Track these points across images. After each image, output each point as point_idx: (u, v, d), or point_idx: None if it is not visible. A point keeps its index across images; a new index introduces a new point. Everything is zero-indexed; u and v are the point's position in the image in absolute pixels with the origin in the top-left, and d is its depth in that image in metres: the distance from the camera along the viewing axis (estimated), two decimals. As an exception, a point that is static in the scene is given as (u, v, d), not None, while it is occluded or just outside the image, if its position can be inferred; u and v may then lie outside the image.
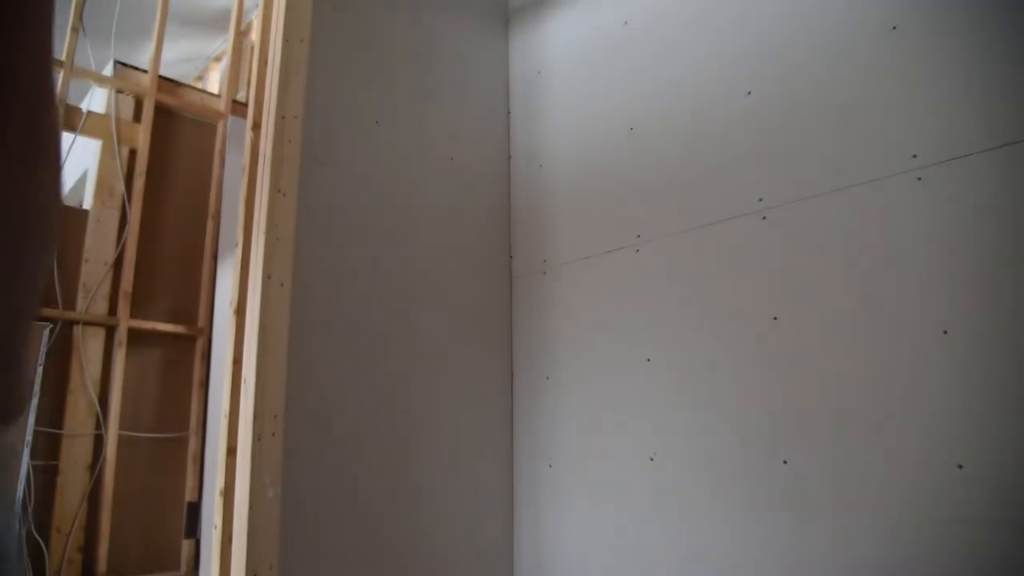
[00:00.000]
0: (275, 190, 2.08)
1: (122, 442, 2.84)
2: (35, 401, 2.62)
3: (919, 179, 1.84)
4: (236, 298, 2.06)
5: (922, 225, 1.80)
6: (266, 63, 2.20)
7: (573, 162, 2.70)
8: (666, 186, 2.38)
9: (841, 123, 1.97)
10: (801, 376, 1.94)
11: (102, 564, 2.72)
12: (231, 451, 1.97)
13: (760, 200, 2.14)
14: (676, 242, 2.30)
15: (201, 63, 4.18)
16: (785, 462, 1.93)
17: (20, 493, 2.50)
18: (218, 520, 1.97)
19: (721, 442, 2.09)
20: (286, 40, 2.18)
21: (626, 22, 2.61)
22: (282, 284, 2.05)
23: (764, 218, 2.13)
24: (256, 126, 2.16)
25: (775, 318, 2.03)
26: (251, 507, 1.89)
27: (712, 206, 2.24)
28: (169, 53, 3.73)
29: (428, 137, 2.62)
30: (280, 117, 2.13)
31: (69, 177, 3.03)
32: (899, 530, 1.71)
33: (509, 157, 2.89)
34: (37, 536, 2.62)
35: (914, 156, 1.86)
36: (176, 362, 3.10)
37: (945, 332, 1.70)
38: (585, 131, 2.69)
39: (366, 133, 2.43)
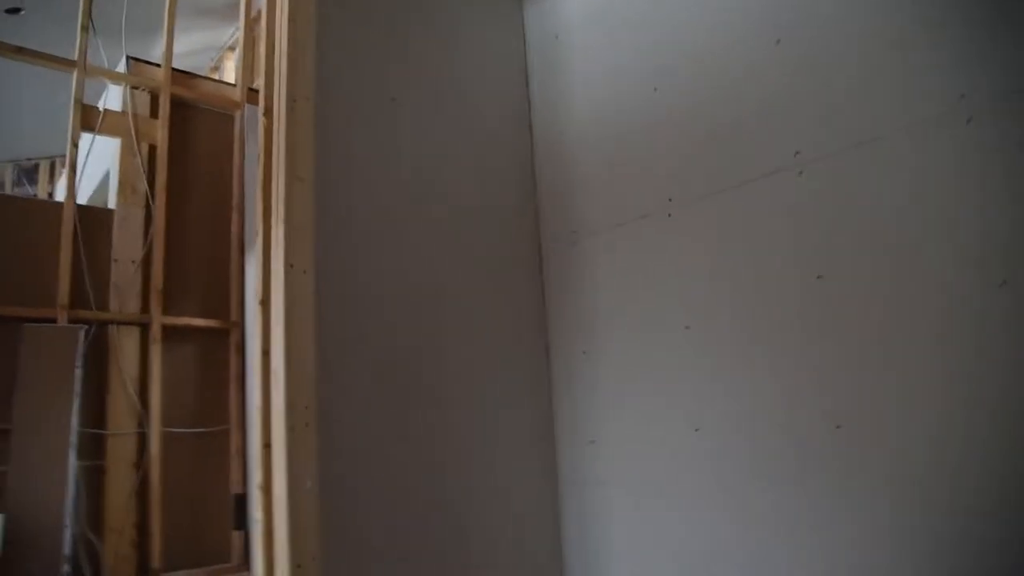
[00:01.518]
0: (292, 176, 2.02)
1: (165, 438, 2.86)
2: (77, 403, 2.64)
3: (968, 120, 1.70)
4: (260, 289, 2.02)
5: (972, 173, 1.66)
6: (274, 46, 2.13)
7: (597, 127, 2.59)
8: (696, 146, 2.27)
9: (887, 65, 1.83)
10: (848, 337, 1.83)
11: (156, 559, 2.76)
12: (266, 445, 1.94)
13: (797, 154, 2.02)
14: (709, 204, 2.19)
15: (215, 53, 4.14)
16: (838, 427, 1.84)
17: (72, 493, 2.53)
18: (259, 514, 1.95)
19: (768, 410, 1.99)
20: (291, 20, 2.11)
21: (645, -27, 2.48)
22: (305, 272, 2.01)
23: (801, 173, 2.01)
24: (268, 111, 2.11)
25: (819, 277, 1.92)
26: (290, 499, 1.87)
27: (745, 164, 2.12)
28: (182, 45, 3.70)
29: (447, 111, 2.54)
30: (291, 100, 2.07)
31: (91, 178, 3.03)
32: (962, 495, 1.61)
33: (530, 127, 2.80)
34: (91, 535, 2.66)
35: (962, 96, 1.72)
36: (212, 356, 3.11)
37: (1005, 282, 1.58)
38: (607, 95, 2.57)
39: (384, 111, 2.36)
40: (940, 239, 1.69)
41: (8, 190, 4.75)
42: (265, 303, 2.02)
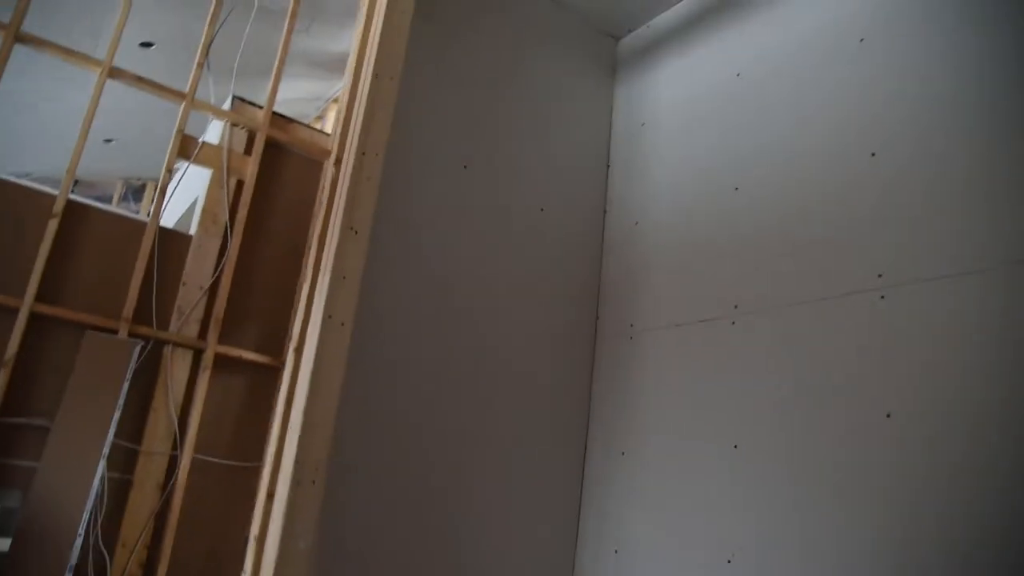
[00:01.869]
0: (347, 227, 2.03)
1: (195, 466, 2.86)
2: (117, 415, 2.69)
3: (1081, 264, 1.51)
4: (297, 336, 2.01)
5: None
6: (354, 98, 2.18)
7: (672, 221, 2.50)
8: (770, 253, 2.13)
9: (985, 197, 1.67)
10: (914, 487, 1.62)
11: (160, 585, 2.72)
12: (270, 495, 1.89)
13: (880, 276, 1.86)
14: (777, 317, 2.04)
15: (322, 103, 4.36)
16: (886, 592, 1.60)
17: (91, 502, 2.55)
18: (248, 566, 1.88)
19: (812, 552, 1.77)
20: (375, 75, 2.15)
21: (738, 74, 2.40)
22: (343, 324, 1.98)
23: (882, 297, 1.84)
24: (338, 161, 2.14)
25: (888, 415, 1.72)
26: (280, 556, 1.79)
27: (822, 279, 1.97)
28: (292, 92, 3.90)
29: (519, 185, 2.52)
30: (360, 153, 2.09)
31: (180, 204, 3.17)
32: None
33: (604, 212, 2.73)
34: (103, 548, 2.66)
35: None
36: (259, 392, 3.11)
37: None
38: (687, 189, 2.49)
39: (453, 177, 2.36)
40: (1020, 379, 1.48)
41: (114, 205, 5.10)
42: (299, 351, 2.00)
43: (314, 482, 1.85)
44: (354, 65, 2.27)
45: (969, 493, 1.56)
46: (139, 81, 2.99)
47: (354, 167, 2.06)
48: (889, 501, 1.65)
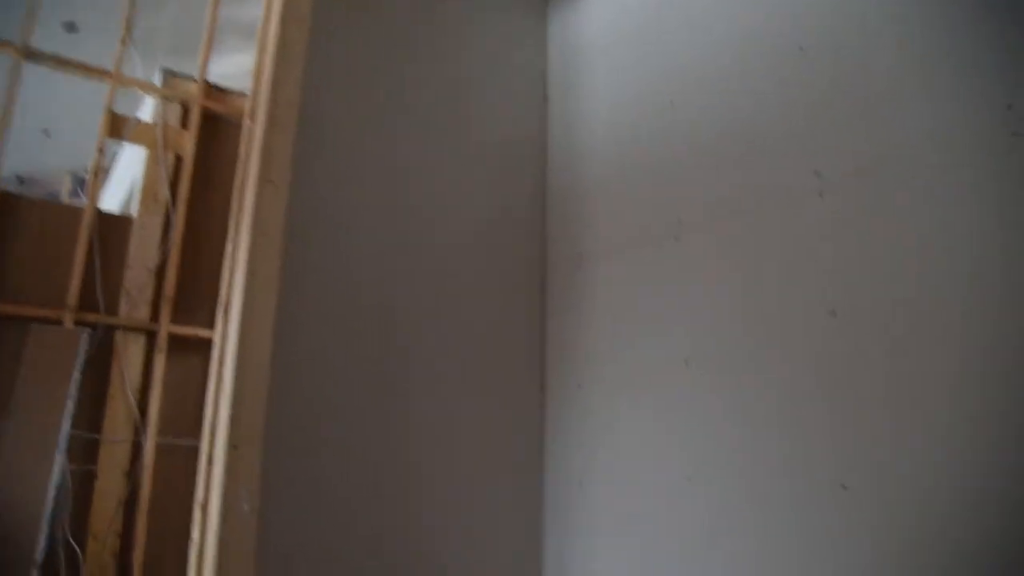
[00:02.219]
0: (264, 180, 1.94)
1: (160, 450, 2.81)
2: (72, 405, 2.62)
3: (1014, 134, 1.42)
4: (225, 298, 1.94)
5: (1017, 191, 1.37)
6: (264, 48, 2.08)
7: (613, 144, 2.40)
8: (708, 165, 2.04)
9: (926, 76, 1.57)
10: (863, 383, 1.55)
11: (137, 570, 2.68)
12: (210, 461, 1.83)
13: (817, 175, 1.77)
14: (719, 228, 1.95)
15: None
16: (844, 487, 1.54)
17: (51, 496, 2.50)
18: (196, 534, 1.83)
19: (767, 462, 1.71)
20: (283, 21, 2.05)
21: (667, -17, 2.30)
22: (268, 281, 1.91)
23: (821, 195, 1.75)
24: (252, 115, 2.05)
25: (833, 313, 1.65)
26: (223, 521, 1.74)
27: (760, 184, 1.88)
28: (229, 67, 3.77)
29: (455, 123, 2.42)
30: (273, 103, 2.00)
31: (121, 188, 3.08)
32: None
33: (546, 142, 2.64)
34: (72, 541, 2.62)
35: (1009, 106, 1.44)
36: (221, 370, 3.05)
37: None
38: (625, 110, 2.39)
39: (383, 121, 2.26)
40: (971, 271, 1.40)
41: (65, 198, 5.01)
42: (227, 311, 1.92)
43: (252, 443, 1.78)
44: (264, 14, 2.17)
45: (914, 386, 1.49)
46: (60, 63, 2.88)
47: (267, 117, 1.96)
48: (834, 398, 1.58)
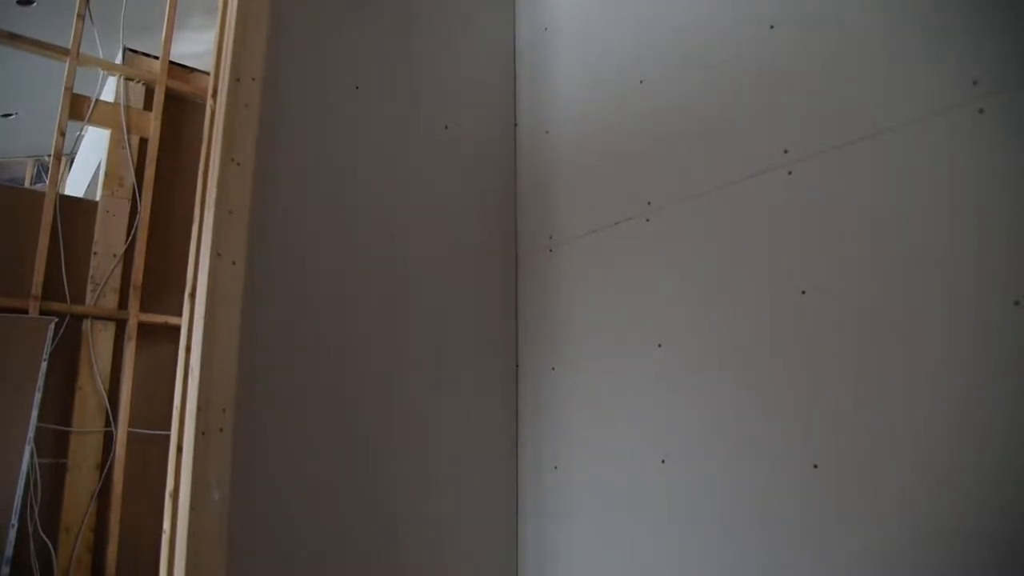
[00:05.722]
0: (227, 158, 1.87)
1: (133, 440, 2.75)
2: (39, 396, 2.55)
3: (981, 111, 1.39)
4: (191, 281, 1.87)
5: (986, 173, 1.35)
6: (225, 24, 2.01)
7: (582, 125, 2.35)
8: (678, 145, 2.00)
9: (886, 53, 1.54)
10: (835, 363, 1.52)
11: (112, 565, 2.63)
12: (179, 449, 1.78)
13: (786, 152, 1.73)
14: (689, 208, 1.91)
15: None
16: (816, 466, 1.52)
17: (20, 491, 2.43)
18: (167, 524, 1.78)
19: (740, 443, 1.69)
20: (243, -6, 1.97)
21: (640, -48, 2.24)
22: (234, 263, 1.84)
23: (790, 173, 1.72)
24: (215, 92, 1.97)
25: (803, 292, 1.62)
26: (193, 509, 1.69)
27: (729, 163, 1.85)
28: (194, 46, 3.67)
29: (420, 104, 2.35)
30: (235, 79, 1.93)
31: (86, 172, 2.98)
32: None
33: (515, 125, 2.57)
34: (44, 536, 2.56)
35: (975, 82, 1.41)
36: (195, 357, 2.99)
37: (1017, 303, 1.26)
38: (595, 89, 2.33)
39: (346, 98, 2.19)
40: (945, 249, 1.37)
41: (28, 185, 4.88)
42: (192, 295, 1.86)
43: (221, 430, 1.73)
44: (223, -13, 2.08)
45: (882, 367, 1.47)
46: (13, 39, 2.77)
47: (229, 94, 1.89)
48: (803, 377, 1.56)
